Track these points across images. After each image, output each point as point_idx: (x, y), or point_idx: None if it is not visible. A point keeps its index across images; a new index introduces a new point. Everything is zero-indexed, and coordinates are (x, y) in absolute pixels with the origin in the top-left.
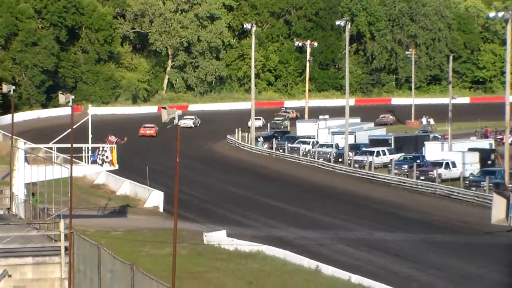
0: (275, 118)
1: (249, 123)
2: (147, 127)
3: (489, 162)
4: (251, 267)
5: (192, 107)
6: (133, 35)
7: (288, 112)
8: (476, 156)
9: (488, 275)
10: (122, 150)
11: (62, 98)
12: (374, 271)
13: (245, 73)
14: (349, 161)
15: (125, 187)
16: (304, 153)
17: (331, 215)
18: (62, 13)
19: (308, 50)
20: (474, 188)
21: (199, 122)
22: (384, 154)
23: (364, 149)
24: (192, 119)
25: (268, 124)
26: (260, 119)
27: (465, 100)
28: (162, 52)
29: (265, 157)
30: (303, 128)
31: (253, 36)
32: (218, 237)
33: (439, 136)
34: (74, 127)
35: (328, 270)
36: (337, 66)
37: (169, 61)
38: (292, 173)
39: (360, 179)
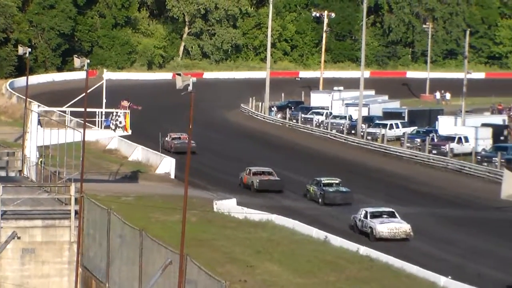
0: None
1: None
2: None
3: (502, 138)
4: (260, 236)
5: (207, 75)
6: (150, 1)
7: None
8: (489, 131)
9: (498, 250)
10: (136, 117)
11: (77, 61)
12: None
13: (261, 42)
14: (362, 133)
15: (137, 153)
16: (317, 124)
17: None
18: None
19: (325, 20)
20: (485, 164)
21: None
22: (397, 127)
23: (377, 121)
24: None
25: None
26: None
27: (480, 75)
28: (179, 19)
29: (278, 127)
30: (317, 99)
31: (271, 5)
32: (228, 205)
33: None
34: (88, 91)
35: (336, 241)
36: (353, 38)
37: (186, 28)
38: (305, 144)
39: (372, 152)
